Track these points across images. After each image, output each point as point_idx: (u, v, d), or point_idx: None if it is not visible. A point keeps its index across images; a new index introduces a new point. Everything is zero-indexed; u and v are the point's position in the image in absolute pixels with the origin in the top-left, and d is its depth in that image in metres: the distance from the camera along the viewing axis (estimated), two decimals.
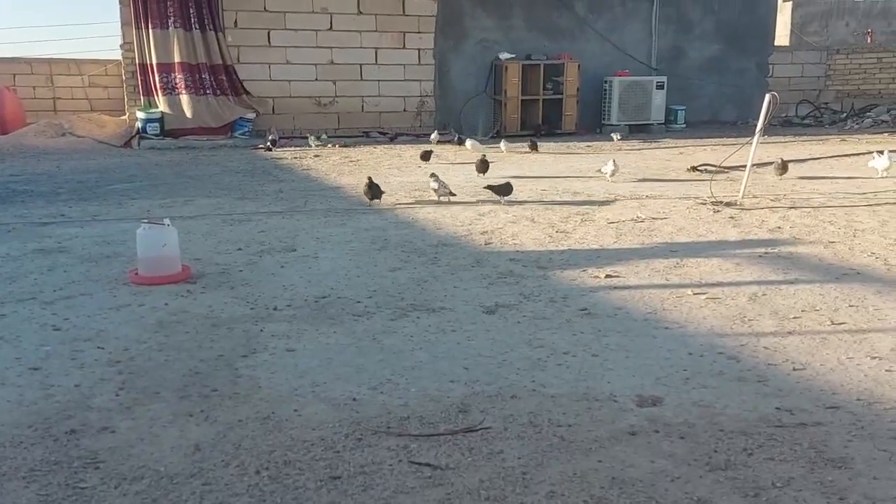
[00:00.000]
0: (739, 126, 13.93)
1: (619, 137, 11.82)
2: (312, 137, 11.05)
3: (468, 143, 10.43)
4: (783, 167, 7.40)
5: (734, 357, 2.98)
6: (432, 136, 11.14)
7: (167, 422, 2.45)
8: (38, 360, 2.97)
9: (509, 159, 9.24)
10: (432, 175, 6.55)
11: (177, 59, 11.37)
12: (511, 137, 11.56)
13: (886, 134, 12.51)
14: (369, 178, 6.31)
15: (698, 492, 2.03)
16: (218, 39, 11.56)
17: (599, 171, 7.66)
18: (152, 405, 2.57)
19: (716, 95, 14.63)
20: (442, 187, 6.35)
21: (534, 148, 10.26)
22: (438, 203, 6.28)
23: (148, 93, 11.44)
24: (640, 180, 7.58)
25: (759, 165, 7.91)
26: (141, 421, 2.45)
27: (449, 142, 11.28)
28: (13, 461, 2.20)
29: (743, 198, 6.30)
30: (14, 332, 3.27)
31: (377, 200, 6.22)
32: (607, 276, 4.13)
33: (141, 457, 2.22)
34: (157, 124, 11.24)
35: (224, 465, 2.18)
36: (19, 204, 6.41)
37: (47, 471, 2.15)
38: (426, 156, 9.07)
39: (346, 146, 11.10)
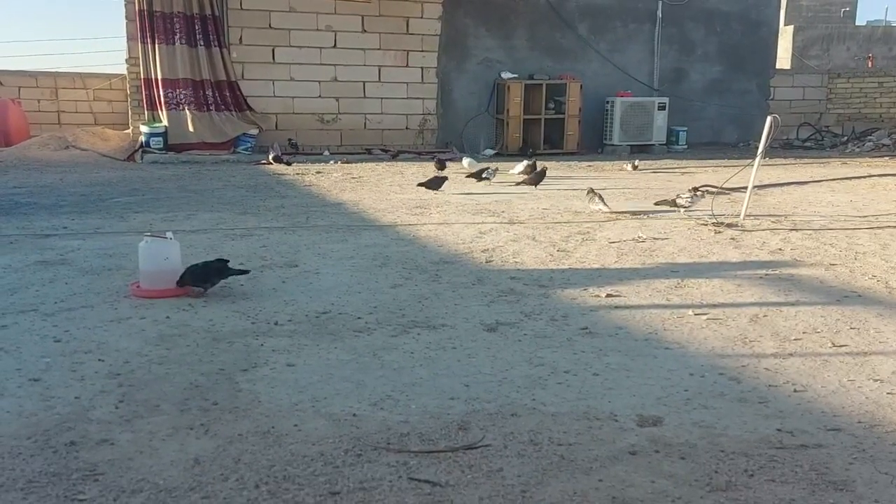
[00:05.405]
0: (741, 148, 13.97)
1: (632, 167, 10.48)
2: (327, 151, 11.85)
3: (464, 160, 10.41)
4: (591, 194, 6.66)
5: (735, 378, 2.97)
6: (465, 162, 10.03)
7: (167, 435, 2.44)
8: (38, 371, 2.97)
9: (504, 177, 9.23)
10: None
11: (181, 74, 11.42)
12: (512, 156, 11.60)
13: (888, 158, 12.55)
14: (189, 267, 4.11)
15: None
16: (223, 56, 11.63)
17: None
18: (152, 418, 2.56)
19: (717, 117, 14.69)
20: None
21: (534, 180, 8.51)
22: (439, 222, 6.30)
23: (152, 107, 11.49)
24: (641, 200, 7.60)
25: (760, 187, 7.95)
26: (140, 434, 2.44)
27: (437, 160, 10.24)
28: (11, 472, 2.19)
29: (744, 219, 6.31)
30: (14, 344, 3.27)
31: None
32: (608, 295, 4.13)
33: (140, 470, 2.21)
34: (160, 139, 11.28)
35: (223, 479, 2.17)
36: (21, 216, 6.43)
37: (46, 482, 2.14)
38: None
39: (348, 163, 11.15)
